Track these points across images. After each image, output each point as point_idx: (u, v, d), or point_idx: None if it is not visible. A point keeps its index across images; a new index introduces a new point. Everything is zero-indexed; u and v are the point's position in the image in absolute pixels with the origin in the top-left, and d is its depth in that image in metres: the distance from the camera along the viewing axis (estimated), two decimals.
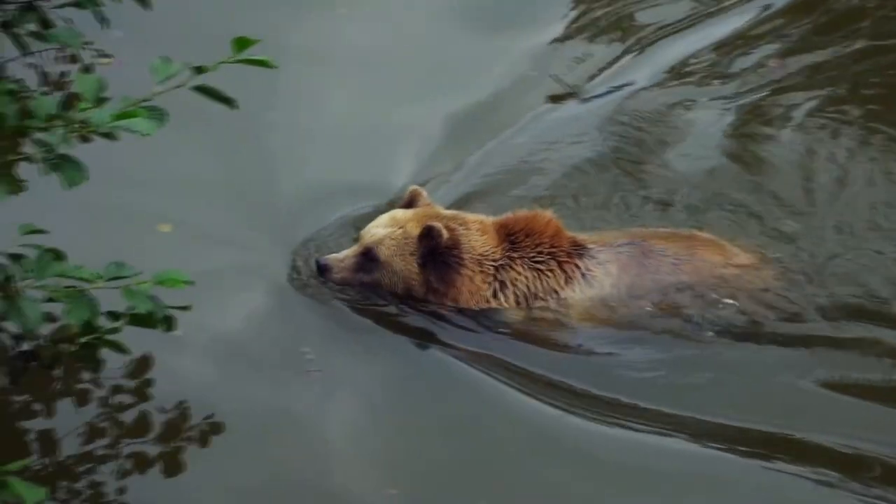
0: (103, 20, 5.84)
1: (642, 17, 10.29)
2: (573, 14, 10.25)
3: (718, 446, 6.47)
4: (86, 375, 6.50)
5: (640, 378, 6.92)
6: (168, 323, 5.12)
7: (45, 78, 8.71)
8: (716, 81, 9.56)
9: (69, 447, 6.21)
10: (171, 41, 8.58)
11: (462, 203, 8.09)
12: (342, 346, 7.13)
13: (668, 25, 10.13)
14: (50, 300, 4.90)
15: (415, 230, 7.22)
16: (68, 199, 5.64)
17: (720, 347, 7.09)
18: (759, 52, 9.82)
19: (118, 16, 6.34)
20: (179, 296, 5.14)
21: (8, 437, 6.27)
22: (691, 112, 9.16)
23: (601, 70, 9.69)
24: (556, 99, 9.39)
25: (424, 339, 7.18)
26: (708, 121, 9.04)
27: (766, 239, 7.76)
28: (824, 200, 8.10)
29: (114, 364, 6.14)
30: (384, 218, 7.36)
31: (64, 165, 4.65)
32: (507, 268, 7.25)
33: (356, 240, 7.40)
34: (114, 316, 5.07)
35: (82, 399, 6.46)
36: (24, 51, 6.17)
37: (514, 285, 7.25)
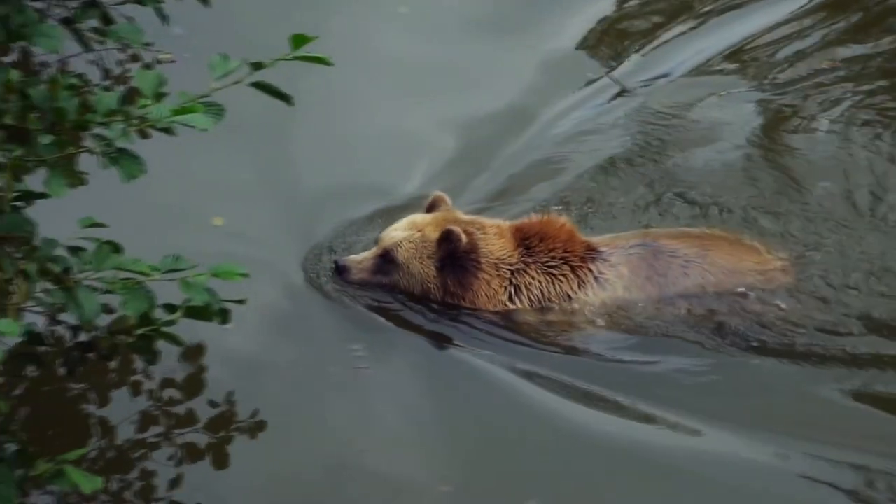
0: (164, 17, 5.92)
1: (651, 20, 10.29)
2: (599, 18, 10.27)
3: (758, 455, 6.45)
4: (140, 366, 6.60)
5: (667, 382, 6.94)
6: (223, 316, 5.15)
7: (106, 74, 8.83)
8: (752, 80, 9.50)
9: (123, 435, 6.32)
10: (229, 39, 8.65)
11: (491, 201, 8.14)
12: (386, 345, 7.19)
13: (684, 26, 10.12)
14: (107, 292, 4.96)
15: (433, 234, 7.28)
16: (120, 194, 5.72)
17: (734, 350, 7.06)
18: (795, 48, 9.76)
19: (179, 14, 6.44)
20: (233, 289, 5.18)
21: (64, 426, 6.38)
22: (721, 110, 9.11)
23: (633, 72, 9.71)
24: (611, 98, 9.40)
25: (464, 343, 7.22)
26: (743, 119, 8.98)
27: (787, 239, 7.72)
28: (860, 209, 8.02)
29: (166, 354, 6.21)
30: (403, 221, 7.44)
31: (122, 159, 4.71)
32: (522, 272, 7.31)
33: (376, 241, 7.46)
34: (170, 308, 5.13)
35: (136, 390, 6.57)
36: (86, 47, 6.27)
37: (528, 289, 7.29)
